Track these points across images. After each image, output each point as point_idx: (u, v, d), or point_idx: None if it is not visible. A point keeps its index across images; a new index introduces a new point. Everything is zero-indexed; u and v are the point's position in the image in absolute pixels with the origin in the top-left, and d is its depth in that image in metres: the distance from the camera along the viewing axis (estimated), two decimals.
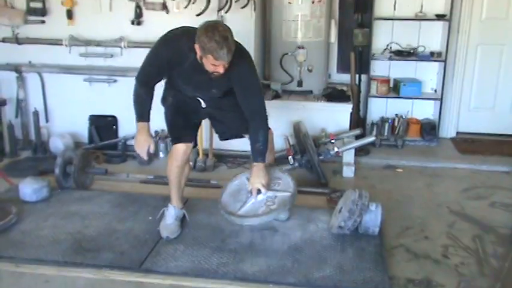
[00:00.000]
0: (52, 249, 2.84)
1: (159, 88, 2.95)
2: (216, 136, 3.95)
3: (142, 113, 2.84)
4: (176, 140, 3.01)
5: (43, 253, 2.80)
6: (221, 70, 2.61)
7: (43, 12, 4.39)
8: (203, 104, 2.99)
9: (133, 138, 4.38)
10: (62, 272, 2.66)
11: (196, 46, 2.58)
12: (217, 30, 2.51)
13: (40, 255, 2.77)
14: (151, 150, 2.87)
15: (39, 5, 4.37)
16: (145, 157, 2.93)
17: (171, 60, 2.71)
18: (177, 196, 3.09)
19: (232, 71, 2.69)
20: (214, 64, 2.58)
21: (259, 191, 2.92)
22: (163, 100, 3.02)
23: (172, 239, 2.94)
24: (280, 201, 2.92)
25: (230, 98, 2.90)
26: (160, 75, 2.84)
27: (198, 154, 4.25)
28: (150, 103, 2.85)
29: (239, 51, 2.68)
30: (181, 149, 2.97)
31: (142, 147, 2.85)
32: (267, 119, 2.93)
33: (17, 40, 4.45)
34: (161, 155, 4.46)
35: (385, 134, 4.75)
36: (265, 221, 2.93)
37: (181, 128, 2.99)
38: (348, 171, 4.10)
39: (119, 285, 2.58)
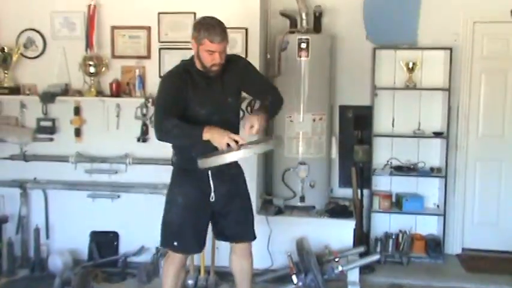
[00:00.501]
0: None
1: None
2: (217, 252, 3.98)
3: (193, 127, 2.67)
4: (181, 249, 2.90)
5: None
6: (218, 59, 2.68)
7: (52, 130, 4.52)
8: (212, 196, 2.88)
9: (134, 254, 4.46)
10: None
11: (192, 43, 2.75)
12: (207, 17, 2.74)
13: None
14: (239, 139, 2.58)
15: (48, 123, 4.52)
16: (239, 139, 2.59)
17: (181, 77, 2.77)
18: None
19: (236, 66, 2.90)
20: (211, 50, 2.67)
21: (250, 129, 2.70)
22: (170, 200, 2.94)
23: None
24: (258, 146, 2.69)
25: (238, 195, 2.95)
26: (179, 100, 2.74)
27: (199, 272, 4.17)
28: (186, 123, 2.70)
29: (234, 55, 3.01)
30: (183, 257, 2.91)
31: (224, 136, 2.57)
32: (279, 92, 3.00)
33: (24, 157, 4.53)
34: (161, 272, 4.35)
35: (390, 250, 4.68)
36: (238, 158, 2.62)
37: (194, 237, 2.89)
38: None
39: None
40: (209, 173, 2.87)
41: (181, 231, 2.88)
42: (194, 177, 2.88)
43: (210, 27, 2.69)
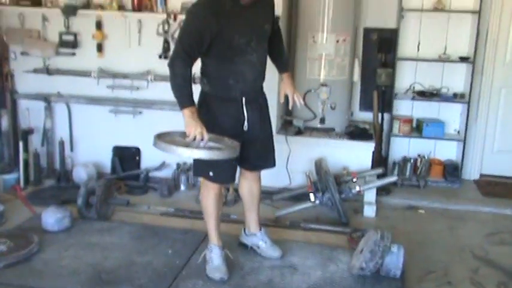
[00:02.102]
0: (72, 279, 2.85)
1: None
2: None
3: (189, 95, 2.64)
4: (217, 180, 2.90)
5: (63, 283, 2.81)
6: None
7: (74, 44, 4.51)
8: (246, 126, 2.89)
9: (155, 169, 4.56)
10: None
11: None
12: None
13: (60, 286, 2.79)
14: (206, 139, 2.61)
15: (71, 38, 4.50)
16: (206, 139, 2.61)
17: (210, 9, 2.63)
18: (217, 232, 2.99)
19: (268, 1, 2.90)
20: None
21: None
22: (211, 128, 2.85)
23: (192, 275, 2.92)
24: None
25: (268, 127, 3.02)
26: (204, 40, 2.64)
27: None
28: (191, 84, 2.66)
29: None
30: (218, 187, 2.94)
31: (197, 128, 2.58)
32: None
33: (48, 71, 4.57)
34: (182, 187, 4.49)
35: (407, 173, 4.72)
36: (187, 156, 2.65)
37: (225, 168, 2.87)
38: (369, 211, 4.06)
39: None
40: (243, 100, 2.86)
41: (218, 162, 2.79)
42: (229, 106, 2.86)
43: None
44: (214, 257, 2.94)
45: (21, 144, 4.48)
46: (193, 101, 2.67)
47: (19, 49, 4.58)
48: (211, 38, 2.65)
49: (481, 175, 4.93)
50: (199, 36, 2.64)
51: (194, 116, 2.62)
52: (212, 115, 2.83)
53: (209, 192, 2.94)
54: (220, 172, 2.87)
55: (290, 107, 3.19)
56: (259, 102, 2.99)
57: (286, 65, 3.18)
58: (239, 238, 3.30)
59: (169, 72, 2.68)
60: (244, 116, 2.88)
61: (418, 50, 4.78)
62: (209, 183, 2.92)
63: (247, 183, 3.15)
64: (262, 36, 2.85)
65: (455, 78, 4.80)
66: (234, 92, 2.83)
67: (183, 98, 2.64)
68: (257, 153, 3.02)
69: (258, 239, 3.20)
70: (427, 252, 3.41)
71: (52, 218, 3.44)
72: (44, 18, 4.50)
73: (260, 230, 3.22)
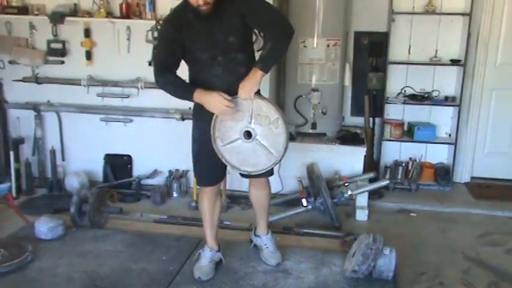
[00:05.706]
0: (67, 287, 2.83)
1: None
2: (229, 176, 4.03)
3: (186, 88, 2.69)
4: (201, 183, 3.00)
5: None
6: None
7: (63, 53, 4.49)
8: None
9: (147, 177, 4.55)
10: None
11: None
12: None
13: None
14: (229, 103, 2.62)
15: (59, 46, 4.47)
16: (233, 108, 2.64)
17: (176, 24, 2.67)
18: (211, 236, 3.07)
19: (235, 3, 2.65)
20: None
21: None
22: (192, 133, 2.94)
23: (186, 281, 2.92)
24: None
25: None
26: (175, 51, 2.69)
27: None
28: (182, 80, 2.70)
29: None
30: (208, 189, 3.00)
31: (221, 102, 2.61)
32: (286, 24, 2.69)
33: (37, 80, 4.54)
34: (175, 194, 4.49)
35: (399, 177, 4.74)
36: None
37: (207, 171, 2.94)
38: (362, 215, 4.07)
39: None
40: None
41: (197, 164, 2.96)
42: (206, 114, 2.78)
43: None
44: (204, 257, 3.04)
45: (12, 153, 4.45)
46: (193, 87, 2.68)
47: (7, 58, 4.55)
48: (180, 48, 2.71)
49: (472, 178, 4.96)
50: (170, 48, 2.72)
51: (204, 95, 2.65)
52: (196, 119, 2.92)
53: (202, 195, 3.04)
54: (198, 174, 3.00)
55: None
56: None
57: (260, 59, 2.68)
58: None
59: (162, 89, 2.77)
60: None
61: (409, 53, 4.81)
62: (202, 188, 3.03)
63: (254, 191, 3.16)
64: (228, 49, 2.73)
65: (447, 81, 4.82)
66: None
67: (185, 94, 2.72)
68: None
69: (261, 241, 3.24)
70: (419, 254, 3.43)
71: (45, 226, 3.41)
72: (32, 26, 4.48)
73: (267, 234, 3.24)
